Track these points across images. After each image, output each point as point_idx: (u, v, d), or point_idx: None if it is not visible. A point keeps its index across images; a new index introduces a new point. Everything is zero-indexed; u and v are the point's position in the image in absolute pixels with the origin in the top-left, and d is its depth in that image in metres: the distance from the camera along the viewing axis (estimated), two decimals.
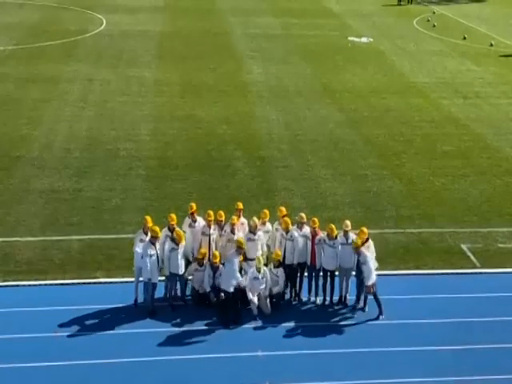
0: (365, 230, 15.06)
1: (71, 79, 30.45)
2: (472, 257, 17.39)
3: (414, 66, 34.97)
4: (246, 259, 15.02)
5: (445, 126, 26.67)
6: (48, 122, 25.36)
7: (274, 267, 14.82)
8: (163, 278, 14.94)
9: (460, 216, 19.49)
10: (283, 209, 15.73)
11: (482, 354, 13.79)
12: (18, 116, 25.86)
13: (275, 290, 14.81)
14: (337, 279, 15.29)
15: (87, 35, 38.57)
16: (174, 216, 15.03)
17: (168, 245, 14.71)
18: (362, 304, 15.12)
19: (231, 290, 14.31)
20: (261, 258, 14.73)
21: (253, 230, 15.15)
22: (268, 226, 15.53)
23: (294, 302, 15.31)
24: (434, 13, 49.39)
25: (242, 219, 15.65)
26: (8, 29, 39.08)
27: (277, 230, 15.38)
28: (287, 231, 15.08)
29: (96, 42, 37.26)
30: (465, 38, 41.26)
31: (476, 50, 38.76)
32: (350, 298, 15.26)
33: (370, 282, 14.50)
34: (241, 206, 15.69)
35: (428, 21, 46.19)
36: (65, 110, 26.64)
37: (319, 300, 15.29)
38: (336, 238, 15.05)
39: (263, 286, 14.65)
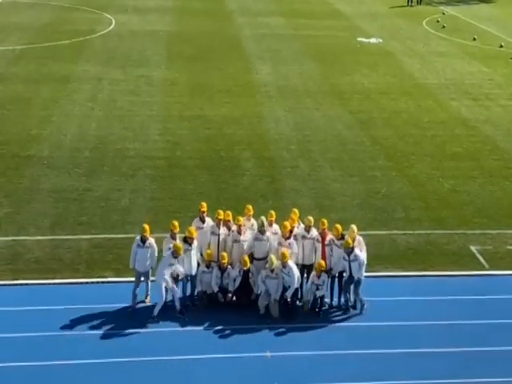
0: (354, 227, 14.98)
1: (80, 79, 30.55)
2: (481, 259, 17.34)
3: (424, 67, 34.89)
4: (253, 259, 15.00)
5: (454, 127, 26.61)
6: (57, 122, 25.44)
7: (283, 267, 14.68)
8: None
9: (469, 218, 19.43)
10: (296, 211, 15.68)
11: (492, 357, 13.74)
12: (27, 116, 25.96)
13: (288, 292, 14.60)
14: None
15: (96, 35, 38.69)
16: (176, 223, 14.91)
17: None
18: (358, 307, 15.05)
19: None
20: (273, 258, 14.62)
21: (261, 230, 15.13)
22: (275, 226, 15.47)
23: (300, 303, 15.25)
24: (443, 14, 49.27)
25: (252, 221, 15.61)
26: (18, 29, 39.22)
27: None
28: (285, 238, 14.95)
29: (105, 41, 37.35)
30: (474, 39, 41.15)
31: (486, 52, 38.64)
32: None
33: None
34: (251, 210, 15.66)
35: (438, 22, 46.08)
36: (74, 110, 26.73)
37: (327, 301, 15.27)
38: (343, 238, 15.03)
39: (275, 287, 14.58)
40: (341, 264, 14.95)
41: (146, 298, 15.00)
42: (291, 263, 14.61)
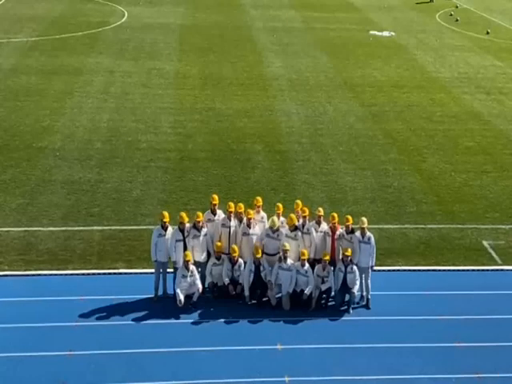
0: (364, 220, 14.87)
1: (93, 71, 30.63)
2: (493, 253, 17.27)
3: (437, 60, 34.72)
4: (265, 254, 14.94)
5: (467, 121, 26.48)
6: (70, 114, 25.53)
7: (302, 266, 14.67)
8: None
9: (481, 212, 19.34)
10: (299, 202, 15.63)
11: (505, 352, 13.70)
12: (40, 107, 26.06)
13: (307, 290, 14.58)
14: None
15: (109, 27, 38.74)
16: (184, 214, 14.89)
17: (191, 232, 14.80)
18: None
19: None
20: (287, 245, 14.61)
21: (273, 228, 14.95)
22: (282, 219, 15.39)
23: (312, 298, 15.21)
24: (456, 7, 48.96)
25: (262, 213, 15.61)
26: (31, 20, 39.34)
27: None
28: (292, 229, 14.94)
29: (118, 34, 37.40)
30: (488, 33, 40.88)
31: (499, 45, 38.39)
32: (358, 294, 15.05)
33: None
34: (260, 201, 15.65)
35: (451, 15, 45.81)
36: (86, 102, 26.81)
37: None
38: (353, 232, 14.98)
39: (288, 279, 14.56)
40: (356, 253, 14.86)
41: (164, 295, 14.87)
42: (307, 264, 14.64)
